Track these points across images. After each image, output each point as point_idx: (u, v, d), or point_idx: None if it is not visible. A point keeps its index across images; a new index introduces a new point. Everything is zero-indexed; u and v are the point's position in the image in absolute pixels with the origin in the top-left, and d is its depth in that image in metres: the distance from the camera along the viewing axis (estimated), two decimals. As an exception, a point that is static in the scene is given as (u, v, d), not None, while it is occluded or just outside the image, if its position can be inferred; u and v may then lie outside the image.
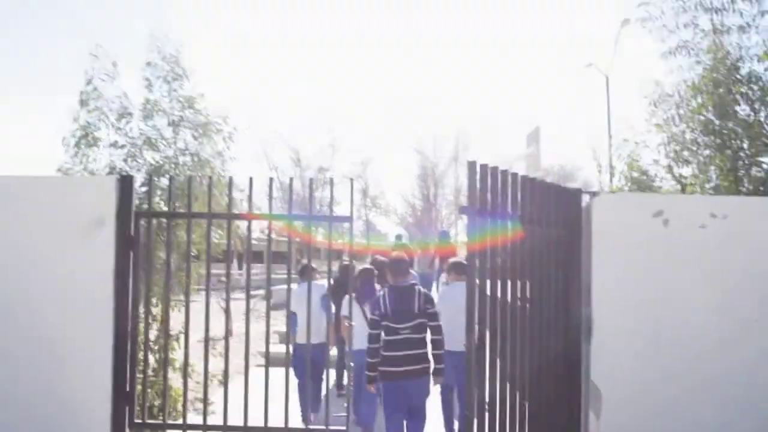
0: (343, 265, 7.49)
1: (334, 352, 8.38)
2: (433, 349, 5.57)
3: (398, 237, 13.13)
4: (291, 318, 5.67)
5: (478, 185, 4.54)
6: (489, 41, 69.17)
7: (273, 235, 5.23)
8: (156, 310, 7.00)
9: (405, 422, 5.61)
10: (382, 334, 5.48)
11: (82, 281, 4.90)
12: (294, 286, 6.49)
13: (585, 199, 5.27)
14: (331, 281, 5.50)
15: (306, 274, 5.54)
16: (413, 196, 53.65)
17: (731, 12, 8.45)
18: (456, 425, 6.58)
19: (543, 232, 4.95)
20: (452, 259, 7.70)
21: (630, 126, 8.91)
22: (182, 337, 5.22)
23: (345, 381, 7.88)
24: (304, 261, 6.09)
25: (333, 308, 6.79)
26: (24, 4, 51.43)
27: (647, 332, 5.02)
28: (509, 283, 4.72)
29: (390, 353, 5.42)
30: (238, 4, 65.68)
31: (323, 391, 5.25)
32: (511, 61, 70.33)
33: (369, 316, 5.75)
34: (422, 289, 5.71)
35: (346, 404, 5.23)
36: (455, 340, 5.66)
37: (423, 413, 5.63)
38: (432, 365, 5.56)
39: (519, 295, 4.79)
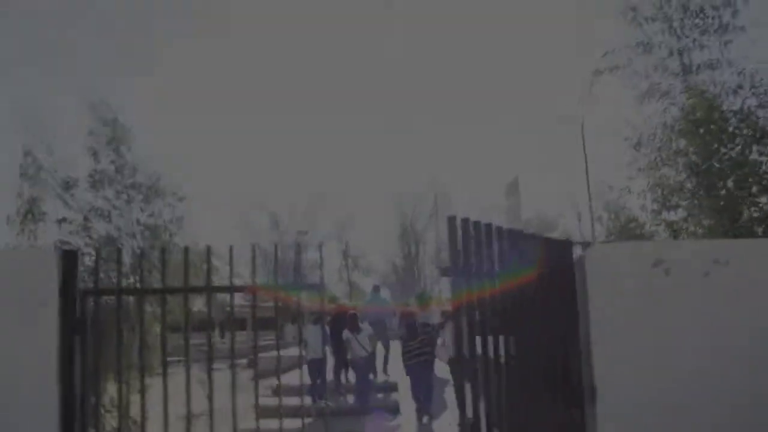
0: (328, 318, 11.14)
1: None
2: (429, 352, 10.34)
3: (376, 288, 15.18)
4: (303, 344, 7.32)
5: (459, 241, 4.14)
6: (464, 96, 70.47)
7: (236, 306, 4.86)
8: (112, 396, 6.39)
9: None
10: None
11: (24, 368, 4.36)
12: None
13: (576, 250, 4.87)
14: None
15: (320, 319, 8.13)
16: (394, 255, 53.50)
17: (697, 49, 8.46)
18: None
19: (531, 288, 4.52)
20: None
21: (612, 172, 8.74)
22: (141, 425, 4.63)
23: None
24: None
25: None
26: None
27: (655, 393, 4.56)
28: (500, 343, 4.28)
29: (406, 353, 10.17)
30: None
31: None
32: (487, 114, 71.61)
33: (400, 335, 11.09)
34: (421, 323, 10.66)
35: None
36: None
37: (429, 382, 10.21)
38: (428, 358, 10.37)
39: (511, 357, 4.35)
